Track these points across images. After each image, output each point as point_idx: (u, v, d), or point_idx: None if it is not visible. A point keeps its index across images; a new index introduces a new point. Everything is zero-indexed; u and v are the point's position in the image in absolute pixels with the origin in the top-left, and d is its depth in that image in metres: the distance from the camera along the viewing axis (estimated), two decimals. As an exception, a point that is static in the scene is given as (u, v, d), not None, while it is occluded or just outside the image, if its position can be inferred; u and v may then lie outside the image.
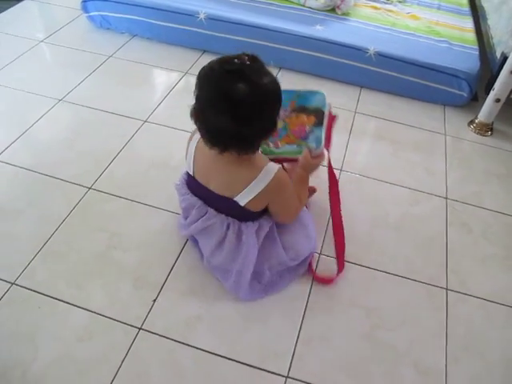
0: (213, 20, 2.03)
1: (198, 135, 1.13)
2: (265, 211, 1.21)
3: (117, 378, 1.08)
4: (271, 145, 1.26)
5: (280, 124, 1.24)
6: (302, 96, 1.28)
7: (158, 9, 2.07)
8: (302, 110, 1.27)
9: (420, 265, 1.38)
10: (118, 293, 1.25)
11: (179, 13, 2.05)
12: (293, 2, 2.19)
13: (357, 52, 1.92)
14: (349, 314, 1.25)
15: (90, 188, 1.51)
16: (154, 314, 1.21)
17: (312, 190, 1.51)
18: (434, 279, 1.35)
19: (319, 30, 1.99)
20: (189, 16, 2.04)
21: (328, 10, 2.15)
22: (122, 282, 1.27)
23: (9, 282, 1.24)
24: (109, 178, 1.55)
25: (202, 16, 2.03)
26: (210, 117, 0.99)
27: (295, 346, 1.17)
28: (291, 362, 1.14)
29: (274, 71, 1.98)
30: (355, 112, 1.91)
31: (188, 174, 1.23)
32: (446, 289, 1.33)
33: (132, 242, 1.37)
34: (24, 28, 2.29)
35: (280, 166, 1.13)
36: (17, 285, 1.24)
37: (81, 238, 1.37)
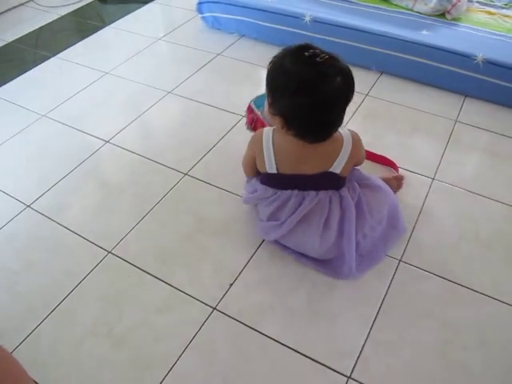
0: (318, 22, 2.06)
1: (267, 134, 1.24)
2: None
3: (187, 351, 1.16)
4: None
5: None
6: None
7: (265, 11, 2.15)
8: None
9: (508, 286, 1.28)
10: (199, 273, 1.33)
11: (286, 15, 2.11)
12: (401, 7, 2.15)
13: (463, 59, 1.82)
14: (423, 324, 1.21)
15: (185, 174, 1.63)
16: (229, 297, 1.27)
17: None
18: (524, 303, 1.25)
19: (425, 35, 1.93)
20: (295, 18, 2.09)
21: (437, 15, 2.07)
22: (203, 264, 1.36)
23: (106, 251, 1.39)
24: (204, 167, 1.65)
25: (307, 18, 2.07)
26: (308, 111, 1.09)
27: (362, 347, 1.16)
28: (355, 363, 1.13)
29: (375, 76, 2.03)
30: (456, 121, 1.82)
31: (269, 175, 1.28)
32: (537, 316, 1.23)
33: (217, 227, 1.45)
34: (146, 27, 2.52)
35: (346, 127, 1.26)
36: (112, 254, 1.39)
37: (172, 218, 1.48)
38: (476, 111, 1.87)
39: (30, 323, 1.24)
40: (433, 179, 1.58)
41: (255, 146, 1.27)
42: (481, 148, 1.72)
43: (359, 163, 1.36)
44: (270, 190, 1.30)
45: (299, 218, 1.27)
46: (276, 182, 1.29)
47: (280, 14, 2.12)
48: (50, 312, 1.25)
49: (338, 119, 1.13)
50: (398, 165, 1.61)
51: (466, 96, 1.94)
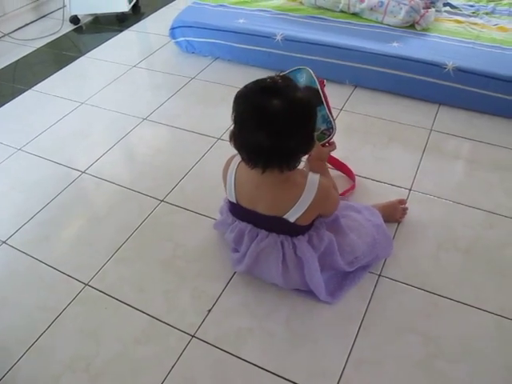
0: (289, 41, 2.08)
1: (235, 162, 1.19)
2: (313, 222, 1.22)
3: (166, 381, 1.14)
4: None
5: None
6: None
7: (236, 32, 2.17)
8: None
9: (490, 294, 1.27)
10: (177, 300, 1.31)
11: (257, 35, 2.13)
12: (370, 20, 2.17)
13: (434, 68, 1.84)
14: (405, 339, 1.19)
15: (162, 200, 1.61)
16: (208, 323, 1.25)
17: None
18: (506, 311, 1.23)
19: (395, 47, 1.95)
20: (266, 38, 2.12)
21: (407, 27, 2.10)
22: (181, 291, 1.34)
23: (83, 283, 1.37)
24: (179, 192, 1.65)
25: (278, 37, 2.09)
26: (248, 134, 1.03)
27: (344, 367, 1.14)
28: (338, 383, 1.12)
29: (349, 90, 2.03)
30: (431, 130, 1.83)
31: (230, 202, 1.26)
32: (521, 323, 1.21)
33: (195, 252, 1.44)
34: (121, 55, 2.54)
35: (319, 175, 1.15)
36: (90, 286, 1.37)
37: (149, 246, 1.47)
38: (451, 119, 1.88)
39: (4, 363, 1.20)
40: (410, 190, 1.58)
41: (224, 170, 1.26)
42: (456, 155, 1.72)
43: (326, 215, 1.25)
44: (231, 217, 1.30)
45: (255, 253, 1.25)
46: (235, 211, 1.28)
47: (251, 35, 2.14)
48: (26, 350, 1.22)
49: (277, 147, 1.02)
50: (355, 174, 1.61)
51: (440, 104, 1.96)
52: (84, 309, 1.32)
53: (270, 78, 1.04)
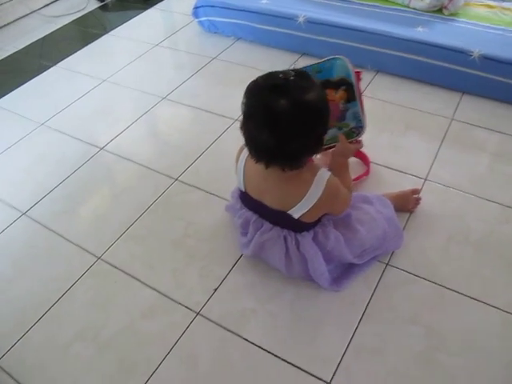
0: (311, 23, 2.04)
1: (246, 151, 1.15)
2: (320, 219, 1.21)
3: (169, 355, 1.18)
4: None
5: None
6: (322, 69, 1.17)
7: (260, 13, 2.15)
8: (327, 84, 1.17)
9: (499, 289, 1.25)
10: (185, 278, 1.35)
11: (279, 16, 2.11)
12: (397, 4, 2.11)
13: (458, 55, 1.78)
14: (407, 330, 1.19)
15: (176, 179, 1.64)
16: (213, 301, 1.28)
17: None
18: (513, 307, 1.22)
19: (420, 32, 1.89)
20: (288, 19, 2.09)
21: (434, 11, 2.03)
22: (189, 269, 1.37)
23: (96, 257, 1.42)
24: (195, 172, 1.67)
25: (301, 19, 2.06)
26: (253, 130, 1.02)
27: (344, 353, 1.15)
28: (336, 370, 1.13)
29: (370, 74, 2.00)
30: (452, 119, 1.78)
31: (239, 188, 1.27)
32: (527, 319, 1.19)
33: (205, 232, 1.46)
34: (144, 33, 2.55)
35: (329, 172, 1.11)
36: (102, 260, 1.41)
37: (161, 224, 1.50)
38: (473, 108, 1.83)
39: (20, 328, 1.27)
40: (425, 180, 1.55)
41: (237, 155, 1.25)
42: (477, 146, 1.67)
43: (334, 214, 1.24)
44: (239, 204, 1.31)
45: (260, 242, 1.26)
46: (243, 198, 1.29)
47: (273, 16, 2.11)
48: (40, 317, 1.29)
49: (280, 148, 1.00)
50: (370, 160, 1.59)
51: (463, 93, 1.90)
52: (95, 281, 1.37)
53: (284, 73, 1.00)
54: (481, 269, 1.31)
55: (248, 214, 1.28)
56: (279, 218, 1.20)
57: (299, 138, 0.99)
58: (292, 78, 0.99)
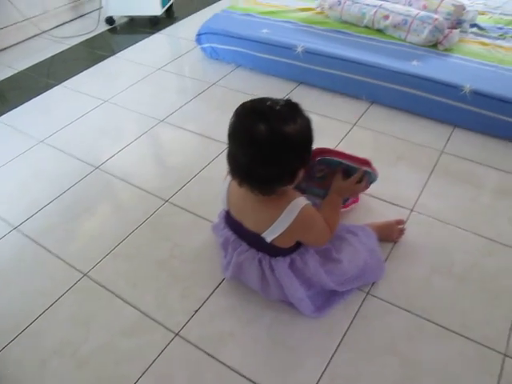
0: (309, 53, 2.09)
1: None
2: (298, 245, 1.23)
3: (145, 374, 1.18)
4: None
5: (319, 174, 1.24)
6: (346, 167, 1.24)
7: (260, 42, 2.21)
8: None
9: (478, 322, 1.25)
10: (167, 298, 1.36)
11: (279, 46, 2.16)
12: (394, 38, 2.16)
13: (450, 89, 1.82)
14: (383, 360, 1.19)
15: (166, 201, 1.67)
16: (193, 323, 1.29)
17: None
18: (492, 341, 1.20)
19: (414, 66, 1.93)
20: (287, 49, 2.14)
21: (430, 46, 2.07)
22: (172, 289, 1.38)
23: (82, 273, 1.44)
24: (185, 194, 1.69)
25: (299, 49, 2.11)
26: (232, 148, 1.05)
27: (318, 380, 1.15)
28: (310, 396, 1.13)
29: (365, 106, 2.03)
30: (442, 151, 1.80)
31: (225, 211, 1.29)
32: (504, 354, 1.18)
33: (190, 254, 1.48)
34: (149, 57, 2.63)
35: (308, 201, 1.13)
36: (88, 276, 1.43)
37: (148, 244, 1.52)
38: (464, 142, 1.85)
39: (0, 340, 1.28)
40: (411, 210, 1.57)
41: (224, 176, 1.26)
42: (464, 179, 1.69)
43: (310, 246, 1.24)
44: (223, 223, 1.33)
45: (238, 263, 1.27)
46: (226, 218, 1.31)
47: (273, 45, 2.17)
48: (22, 331, 1.30)
49: (251, 171, 1.02)
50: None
51: (455, 127, 1.93)
52: (79, 298, 1.38)
53: (273, 101, 1.02)
54: (461, 302, 1.30)
55: (228, 233, 1.30)
56: (255, 241, 1.21)
57: (271, 165, 1.01)
58: (278, 107, 1.01)
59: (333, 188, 1.25)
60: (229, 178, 1.23)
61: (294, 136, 1.00)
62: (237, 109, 1.05)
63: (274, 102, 1.02)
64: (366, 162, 1.25)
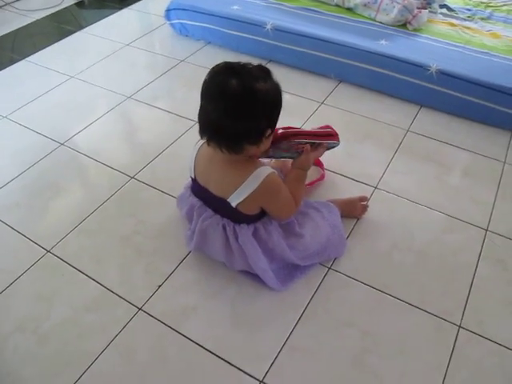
0: (278, 31, 2.08)
1: (201, 141, 1.21)
2: (262, 215, 1.24)
3: (107, 348, 1.19)
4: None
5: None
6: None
7: (228, 18, 2.18)
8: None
9: (436, 296, 1.29)
10: (130, 273, 1.36)
11: (248, 23, 2.14)
12: (363, 17, 2.16)
13: (417, 69, 1.84)
14: (342, 332, 1.22)
15: (132, 177, 1.65)
16: (156, 298, 1.30)
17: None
18: (448, 314, 1.25)
19: (382, 45, 1.94)
20: (257, 26, 2.12)
21: (399, 26, 2.08)
22: (136, 265, 1.38)
23: (45, 249, 1.43)
24: (150, 171, 1.68)
25: (268, 26, 2.10)
26: (203, 105, 1.08)
27: (278, 352, 1.18)
28: (269, 368, 1.15)
29: (333, 84, 2.03)
30: (407, 130, 1.83)
31: (191, 178, 1.30)
32: (459, 326, 1.22)
33: (155, 230, 1.48)
34: (117, 32, 2.57)
35: (273, 170, 1.15)
36: (51, 253, 1.42)
37: (112, 220, 1.51)
38: (429, 121, 1.88)
39: (-41, 318, 1.27)
40: (375, 188, 1.59)
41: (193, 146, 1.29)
42: (428, 158, 1.72)
43: (272, 216, 1.25)
44: (189, 192, 1.34)
45: (200, 231, 1.28)
46: (193, 186, 1.32)
47: (242, 22, 2.15)
48: (-19, 309, 1.29)
49: (220, 124, 1.05)
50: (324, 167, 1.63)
51: (421, 106, 1.96)
52: (42, 274, 1.37)
53: (247, 63, 1.07)
54: (420, 276, 1.34)
55: (194, 200, 1.31)
56: (220, 206, 1.23)
57: (239, 119, 1.04)
58: (251, 66, 1.06)
59: (298, 162, 1.27)
60: (198, 145, 1.26)
61: (263, 92, 1.04)
62: (209, 71, 1.09)
63: (245, 63, 1.07)
64: (331, 134, 1.29)
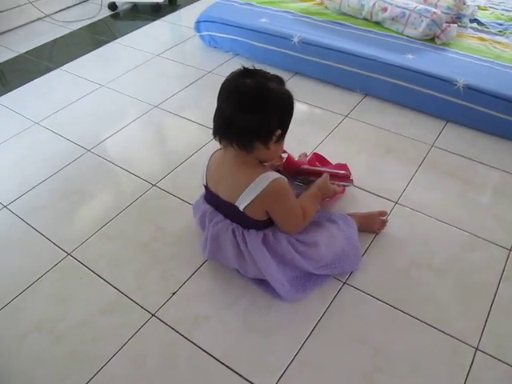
0: (305, 44, 2.09)
1: (216, 148, 1.27)
2: (271, 223, 1.25)
3: (119, 353, 1.21)
4: None
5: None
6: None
7: (257, 31, 2.21)
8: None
9: (453, 316, 1.25)
10: (146, 279, 1.38)
11: (275, 35, 2.17)
12: (391, 30, 2.15)
13: (444, 83, 1.81)
14: (355, 348, 1.20)
15: (154, 185, 1.68)
16: (169, 305, 1.31)
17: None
18: (465, 335, 1.21)
19: (409, 59, 1.92)
20: (284, 39, 2.14)
21: (427, 40, 2.06)
22: (152, 271, 1.40)
23: (66, 252, 1.46)
24: (172, 179, 1.71)
25: (295, 39, 2.11)
26: (219, 104, 1.13)
27: (288, 365, 1.17)
28: (278, 380, 1.14)
29: (358, 98, 2.03)
30: (432, 145, 1.80)
31: (204, 185, 1.32)
32: (476, 348, 1.18)
33: (172, 237, 1.50)
34: (148, 43, 2.65)
35: (283, 177, 1.18)
36: (71, 256, 1.46)
37: (133, 226, 1.54)
38: (455, 137, 1.85)
39: (-18, 315, 1.32)
40: (395, 203, 1.57)
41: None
42: (452, 174, 1.68)
43: (280, 226, 1.25)
44: (202, 199, 1.36)
45: (213, 236, 1.29)
46: (206, 194, 1.34)
47: (270, 35, 2.17)
48: (3, 306, 1.33)
49: (233, 119, 1.09)
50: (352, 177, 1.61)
51: (447, 121, 1.92)
52: (61, 276, 1.41)
53: (263, 71, 1.13)
54: (437, 295, 1.31)
55: (206, 207, 1.33)
56: (230, 211, 1.25)
57: (251, 113, 1.08)
58: (267, 72, 1.13)
59: (317, 183, 1.33)
60: (210, 155, 1.31)
61: (275, 91, 1.10)
62: (228, 75, 1.15)
63: (262, 70, 1.14)
64: (347, 176, 1.48)
